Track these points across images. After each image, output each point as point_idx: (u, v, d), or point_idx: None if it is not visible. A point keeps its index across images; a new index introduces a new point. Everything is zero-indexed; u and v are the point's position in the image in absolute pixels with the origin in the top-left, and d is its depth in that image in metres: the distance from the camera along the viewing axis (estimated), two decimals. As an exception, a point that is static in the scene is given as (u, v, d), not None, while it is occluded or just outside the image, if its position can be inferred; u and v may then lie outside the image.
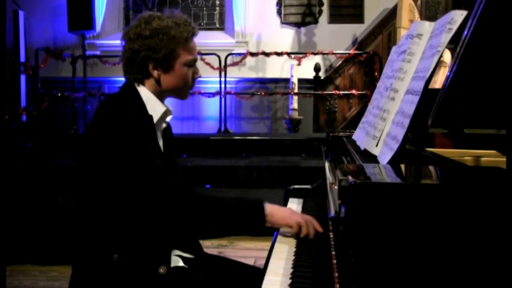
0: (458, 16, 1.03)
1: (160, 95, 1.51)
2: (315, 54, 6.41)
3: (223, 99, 6.34)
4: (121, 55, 1.51)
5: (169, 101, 1.59)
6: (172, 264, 1.43)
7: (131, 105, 1.45)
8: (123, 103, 1.45)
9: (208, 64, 6.31)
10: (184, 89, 1.53)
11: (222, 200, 1.45)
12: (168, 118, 1.56)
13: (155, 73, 1.47)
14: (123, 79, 1.54)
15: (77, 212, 1.45)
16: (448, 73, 0.90)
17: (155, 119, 1.47)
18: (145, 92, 1.49)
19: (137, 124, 1.40)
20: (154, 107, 1.48)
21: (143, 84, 1.49)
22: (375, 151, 1.20)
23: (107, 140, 1.37)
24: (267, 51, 6.43)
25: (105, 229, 1.39)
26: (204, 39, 6.80)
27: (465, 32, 0.84)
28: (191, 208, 1.40)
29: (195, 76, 1.54)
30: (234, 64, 6.68)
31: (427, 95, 1.00)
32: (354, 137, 1.62)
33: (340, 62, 6.68)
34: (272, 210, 1.42)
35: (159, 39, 1.44)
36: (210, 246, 3.64)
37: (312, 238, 1.39)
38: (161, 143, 1.53)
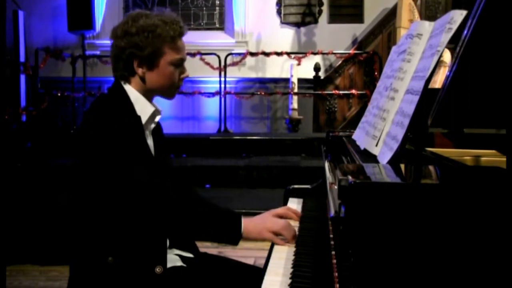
0: (458, 15, 1.03)
1: (147, 94, 1.50)
2: (315, 54, 6.41)
3: (223, 99, 6.34)
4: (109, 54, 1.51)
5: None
6: (171, 264, 1.42)
7: (120, 106, 1.44)
8: (113, 105, 1.44)
9: (208, 64, 6.30)
10: (170, 88, 1.52)
11: (199, 211, 1.42)
12: (157, 118, 1.56)
13: (140, 71, 1.46)
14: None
15: (71, 213, 1.45)
16: (448, 73, 0.90)
17: (144, 120, 1.47)
18: (133, 92, 1.48)
19: (125, 125, 1.40)
20: (143, 107, 1.48)
21: (129, 82, 1.49)
22: (375, 151, 1.20)
23: (96, 142, 1.36)
24: (267, 51, 6.43)
25: (97, 230, 1.38)
26: (204, 39, 6.80)
27: (465, 32, 0.84)
28: (165, 213, 1.37)
29: (182, 76, 1.53)
30: (234, 64, 6.68)
31: (427, 95, 1.00)
32: (354, 137, 1.62)
33: (340, 62, 6.69)
34: (248, 229, 1.39)
35: (144, 36, 1.43)
36: (210, 246, 3.63)
37: (312, 236, 1.39)
38: (150, 142, 1.52)
